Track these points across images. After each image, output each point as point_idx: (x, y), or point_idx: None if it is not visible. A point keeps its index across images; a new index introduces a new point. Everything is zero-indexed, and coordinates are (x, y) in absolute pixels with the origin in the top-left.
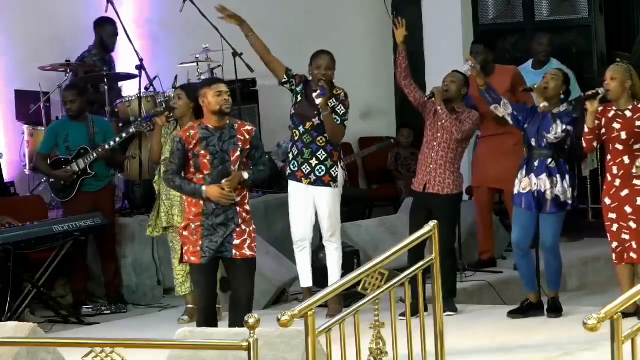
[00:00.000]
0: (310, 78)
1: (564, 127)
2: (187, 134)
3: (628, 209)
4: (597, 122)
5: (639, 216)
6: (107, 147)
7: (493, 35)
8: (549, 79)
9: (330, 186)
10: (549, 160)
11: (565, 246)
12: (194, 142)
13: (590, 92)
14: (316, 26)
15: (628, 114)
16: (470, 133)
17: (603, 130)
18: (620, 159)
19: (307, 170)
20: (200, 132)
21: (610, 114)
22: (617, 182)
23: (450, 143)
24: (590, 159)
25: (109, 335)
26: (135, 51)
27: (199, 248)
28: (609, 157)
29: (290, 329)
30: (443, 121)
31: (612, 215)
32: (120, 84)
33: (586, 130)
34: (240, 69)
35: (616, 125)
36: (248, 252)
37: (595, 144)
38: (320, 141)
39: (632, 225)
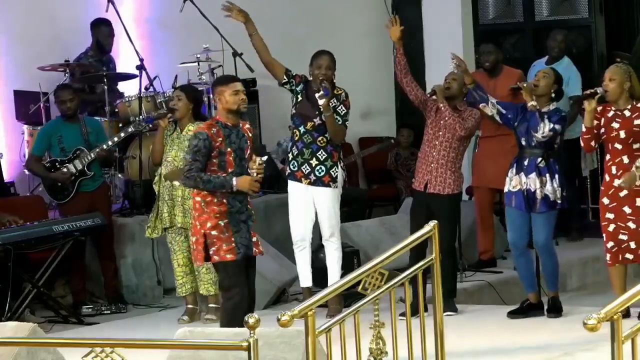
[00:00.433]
0: (311, 78)
1: (552, 126)
2: (211, 131)
3: (627, 209)
4: (595, 122)
5: (638, 216)
6: (105, 147)
7: (493, 35)
8: (540, 77)
9: (330, 186)
10: (539, 159)
11: (565, 246)
12: (220, 139)
13: (588, 92)
14: (316, 26)
15: (627, 113)
16: (472, 130)
17: (602, 130)
18: (619, 158)
19: (307, 171)
20: (222, 130)
21: (610, 114)
22: (616, 182)
23: (452, 142)
24: (590, 158)
25: (109, 335)
26: (136, 51)
27: (233, 245)
28: (607, 156)
29: (290, 329)
30: (446, 118)
31: (610, 215)
32: (119, 84)
33: (584, 129)
34: (240, 69)
35: (615, 125)
36: (258, 250)
37: (593, 143)
38: (321, 141)
39: (631, 225)
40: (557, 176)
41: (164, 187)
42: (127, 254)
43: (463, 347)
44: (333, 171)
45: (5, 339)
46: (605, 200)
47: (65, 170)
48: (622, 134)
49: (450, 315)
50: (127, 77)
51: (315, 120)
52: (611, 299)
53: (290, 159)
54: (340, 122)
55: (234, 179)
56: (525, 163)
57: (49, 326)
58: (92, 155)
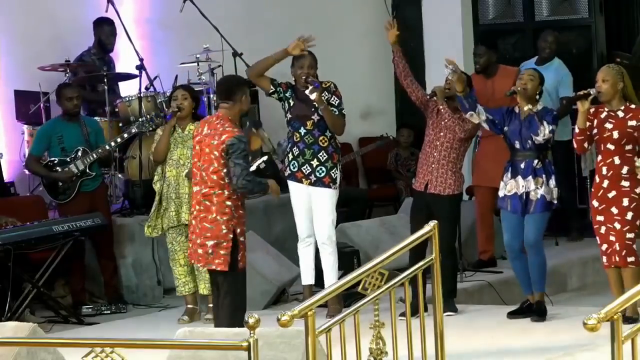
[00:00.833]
0: (294, 80)
1: (550, 127)
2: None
3: (614, 210)
4: (588, 123)
5: (623, 217)
6: (107, 147)
7: (493, 35)
8: (527, 80)
9: (330, 187)
10: (536, 161)
11: (565, 246)
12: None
13: (581, 92)
14: (316, 26)
15: (620, 114)
16: (472, 132)
17: (595, 131)
18: (610, 159)
19: (308, 171)
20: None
21: (603, 115)
22: (605, 184)
23: (453, 142)
24: (590, 158)
25: (109, 335)
26: (136, 51)
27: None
28: (599, 157)
29: (290, 329)
30: (446, 120)
31: (600, 218)
32: (119, 84)
33: (577, 130)
34: (240, 69)
35: (608, 125)
36: None
37: (586, 144)
38: (323, 141)
39: (617, 225)
40: (553, 176)
41: (169, 186)
42: (127, 254)
43: (463, 347)
44: (333, 172)
45: (5, 339)
46: (595, 203)
47: (67, 170)
48: (616, 135)
49: (450, 315)
50: (127, 77)
51: (313, 117)
52: (611, 299)
53: (290, 159)
54: (336, 113)
55: (268, 180)
56: (522, 166)
57: (49, 326)
58: (95, 156)
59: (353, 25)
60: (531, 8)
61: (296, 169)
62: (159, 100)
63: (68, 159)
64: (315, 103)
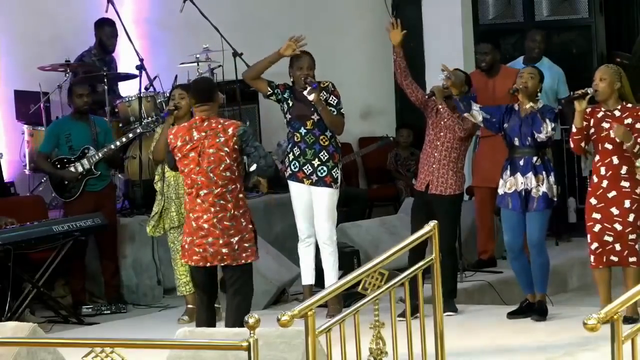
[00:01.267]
0: (292, 80)
1: (552, 124)
2: None
3: (615, 211)
4: (585, 122)
5: (625, 219)
6: (112, 147)
7: (493, 35)
8: (527, 78)
9: (331, 187)
10: (535, 158)
11: (565, 246)
12: None
13: (579, 92)
14: (316, 27)
15: (617, 113)
16: (473, 130)
17: (592, 131)
18: (609, 159)
19: (309, 171)
20: None
21: (599, 114)
22: (605, 183)
23: (453, 142)
24: (591, 158)
25: (109, 335)
26: (136, 51)
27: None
28: (597, 157)
29: (290, 329)
30: (445, 120)
31: (597, 216)
32: (119, 84)
33: (574, 130)
34: (240, 69)
35: (605, 125)
36: None
37: (583, 144)
38: (323, 140)
39: (618, 227)
40: (552, 173)
41: (169, 186)
42: (127, 254)
43: (463, 347)
44: (334, 172)
45: (5, 339)
46: (593, 201)
47: (72, 169)
48: (612, 134)
49: (450, 315)
50: (127, 77)
51: (313, 117)
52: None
53: (291, 159)
54: (335, 113)
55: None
56: (521, 163)
57: (49, 326)
58: (100, 155)
59: (353, 25)
60: (531, 8)
61: (297, 169)
62: (159, 100)
63: (74, 158)
64: (313, 102)
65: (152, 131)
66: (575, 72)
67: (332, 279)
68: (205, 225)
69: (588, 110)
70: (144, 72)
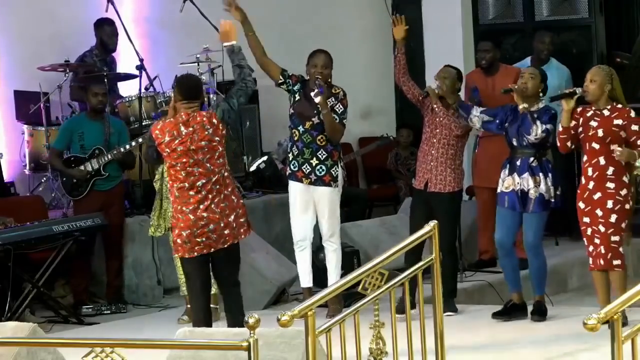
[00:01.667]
0: (307, 77)
1: (544, 127)
2: None
3: (599, 212)
4: (574, 122)
5: (607, 220)
6: (122, 149)
7: (493, 35)
8: (527, 79)
9: (330, 186)
10: (531, 159)
11: (565, 246)
12: None
13: (567, 91)
14: (316, 26)
15: (606, 112)
16: (469, 127)
17: (580, 130)
18: (596, 159)
19: (308, 170)
20: None
21: (589, 114)
22: (591, 185)
23: (449, 139)
24: None
25: (109, 335)
26: (136, 51)
27: None
28: (585, 158)
29: (290, 329)
30: (441, 118)
31: (587, 219)
32: (119, 84)
33: (560, 129)
34: None
35: (593, 123)
36: None
37: (569, 143)
38: (321, 140)
39: (601, 228)
40: (550, 175)
41: (167, 187)
42: (127, 254)
43: (463, 347)
44: (333, 170)
45: (5, 339)
46: (581, 205)
47: (82, 168)
48: (600, 133)
49: (450, 315)
50: (127, 77)
51: (314, 119)
52: (611, 299)
53: (290, 159)
54: (337, 121)
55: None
56: (518, 163)
57: (49, 326)
58: (109, 157)
59: (353, 25)
60: (531, 8)
61: (297, 169)
62: (159, 100)
63: (85, 157)
64: (318, 105)
65: None
66: (575, 72)
67: (334, 277)
68: (204, 214)
69: (578, 109)
70: (144, 72)
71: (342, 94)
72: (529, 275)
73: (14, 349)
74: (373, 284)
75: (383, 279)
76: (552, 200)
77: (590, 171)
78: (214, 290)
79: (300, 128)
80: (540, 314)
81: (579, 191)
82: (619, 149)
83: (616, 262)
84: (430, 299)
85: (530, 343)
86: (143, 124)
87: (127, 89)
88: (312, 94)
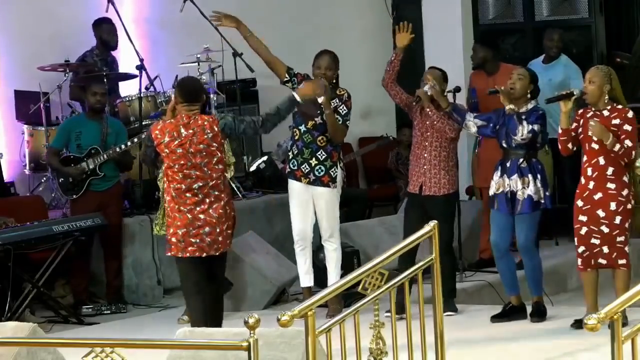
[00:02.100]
0: (313, 77)
1: (530, 127)
2: None
3: (601, 213)
4: (575, 124)
5: (611, 221)
6: (118, 149)
7: (493, 35)
8: (516, 80)
9: (329, 186)
10: (520, 160)
11: (565, 246)
12: None
13: (564, 92)
14: (317, 26)
15: (605, 113)
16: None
17: (580, 130)
18: (595, 159)
19: (307, 170)
20: None
21: (589, 115)
22: (591, 185)
23: (442, 141)
24: None
25: (109, 335)
26: (136, 51)
27: None
28: (584, 158)
29: (290, 329)
30: (435, 122)
31: (583, 218)
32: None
33: (560, 131)
34: (241, 69)
35: (592, 123)
36: None
37: (570, 145)
38: (321, 141)
39: (604, 229)
40: (539, 176)
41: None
42: (127, 254)
43: (463, 347)
44: (332, 171)
45: (5, 339)
46: (580, 203)
47: (78, 166)
48: (590, 132)
49: (450, 315)
50: (127, 77)
51: (316, 119)
52: (611, 299)
53: (290, 157)
54: (340, 122)
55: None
56: (508, 165)
57: (49, 326)
58: (105, 157)
59: (353, 25)
60: (531, 8)
61: (296, 168)
62: (159, 100)
63: (81, 156)
64: (322, 105)
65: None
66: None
67: (334, 277)
68: (202, 216)
69: (580, 111)
70: (144, 72)
71: (346, 96)
72: (525, 277)
73: (14, 349)
74: (373, 284)
75: (383, 279)
76: (542, 201)
77: (589, 171)
78: None
79: (302, 127)
80: (539, 315)
81: (577, 190)
82: (592, 122)
83: (622, 261)
84: (430, 299)
85: (530, 343)
86: (143, 123)
87: (128, 88)
88: (316, 93)
